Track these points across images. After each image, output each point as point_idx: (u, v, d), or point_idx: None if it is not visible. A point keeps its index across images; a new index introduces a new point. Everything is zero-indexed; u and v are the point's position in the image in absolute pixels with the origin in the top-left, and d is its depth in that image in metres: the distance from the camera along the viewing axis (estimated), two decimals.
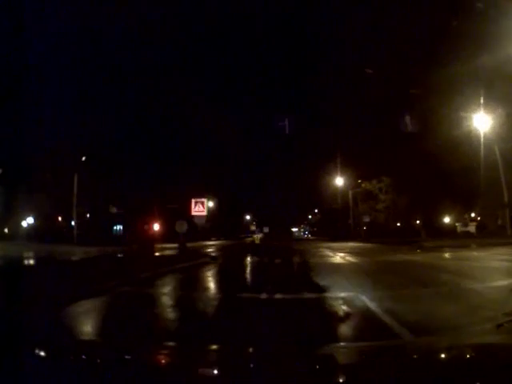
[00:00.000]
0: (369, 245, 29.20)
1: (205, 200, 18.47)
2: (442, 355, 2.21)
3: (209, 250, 25.69)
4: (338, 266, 13.17)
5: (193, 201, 17.96)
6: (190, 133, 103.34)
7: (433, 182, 50.41)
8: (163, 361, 2.26)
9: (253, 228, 60.75)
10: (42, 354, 2.06)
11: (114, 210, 56.27)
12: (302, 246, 30.17)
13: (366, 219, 45.30)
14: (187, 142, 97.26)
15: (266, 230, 63.74)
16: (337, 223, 56.32)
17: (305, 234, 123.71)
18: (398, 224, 58.80)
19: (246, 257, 18.83)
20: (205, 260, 15.73)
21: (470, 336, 3.92)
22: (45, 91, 51.66)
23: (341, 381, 1.85)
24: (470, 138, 31.42)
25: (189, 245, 35.50)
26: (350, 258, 16.26)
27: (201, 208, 17.87)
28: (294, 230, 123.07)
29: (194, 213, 17.87)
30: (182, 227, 17.17)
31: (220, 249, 27.42)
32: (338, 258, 16.93)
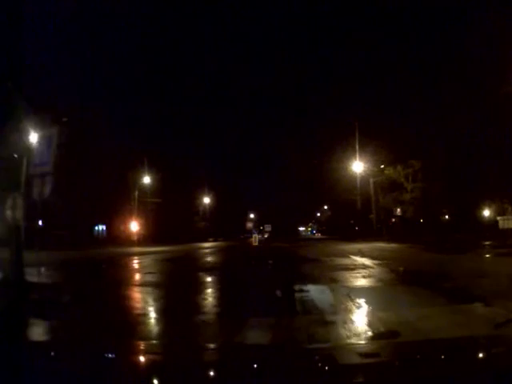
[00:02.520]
0: (420, 248, 19.36)
1: (54, 134, 8.19)
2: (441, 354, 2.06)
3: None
4: None
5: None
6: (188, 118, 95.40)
7: (472, 164, 40.81)
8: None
9: (249, 226, 50.27)
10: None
11: None
12: (318, 252, 20.32)
13: (397, 213, 35.60)
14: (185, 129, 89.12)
15: (267, 228, 53.54)
16: (354, 219, 46.51)
17: (312, 232, 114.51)
18: (421, 220, 48.99)
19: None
20: None
21: None
22: None
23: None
24: None
25: (172, 249, 26.99)
26: None
27: (45, 157, 7.80)
28: (301, 229, 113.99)
29: (33, 170, 8.03)
30: (14, 209, 7.54)
31: (171, 261, 17.24)
32: None
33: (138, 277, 11.27)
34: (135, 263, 17.15)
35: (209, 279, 10.01)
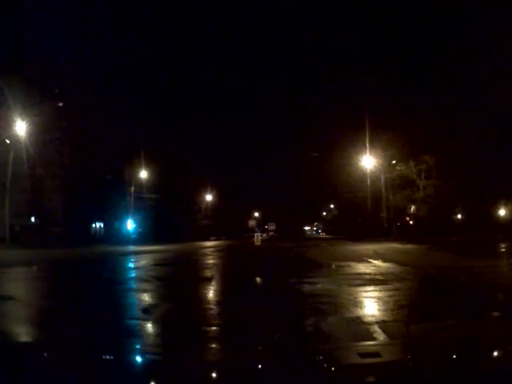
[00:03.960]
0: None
1: None
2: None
3: None
4: None
5: None
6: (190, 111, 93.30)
7: (488, 160, 38.27)
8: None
9: (252, 224, 47.39)
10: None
11: None
12: (328, 254, 17.95)
13: (411, 211, 33.26)
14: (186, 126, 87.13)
15: (271, 227, 50.92)
16: (362, 218, 44.04)
17: (318, 232, 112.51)
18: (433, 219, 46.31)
19: None
20: None
21: None
22: None
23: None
24: None
25: (168, 248, 24.59)
26: None
27: None
28: (306, 228, 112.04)
29: None
30: None
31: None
32: None
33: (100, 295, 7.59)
34: (117, 268, 14.87)
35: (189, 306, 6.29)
